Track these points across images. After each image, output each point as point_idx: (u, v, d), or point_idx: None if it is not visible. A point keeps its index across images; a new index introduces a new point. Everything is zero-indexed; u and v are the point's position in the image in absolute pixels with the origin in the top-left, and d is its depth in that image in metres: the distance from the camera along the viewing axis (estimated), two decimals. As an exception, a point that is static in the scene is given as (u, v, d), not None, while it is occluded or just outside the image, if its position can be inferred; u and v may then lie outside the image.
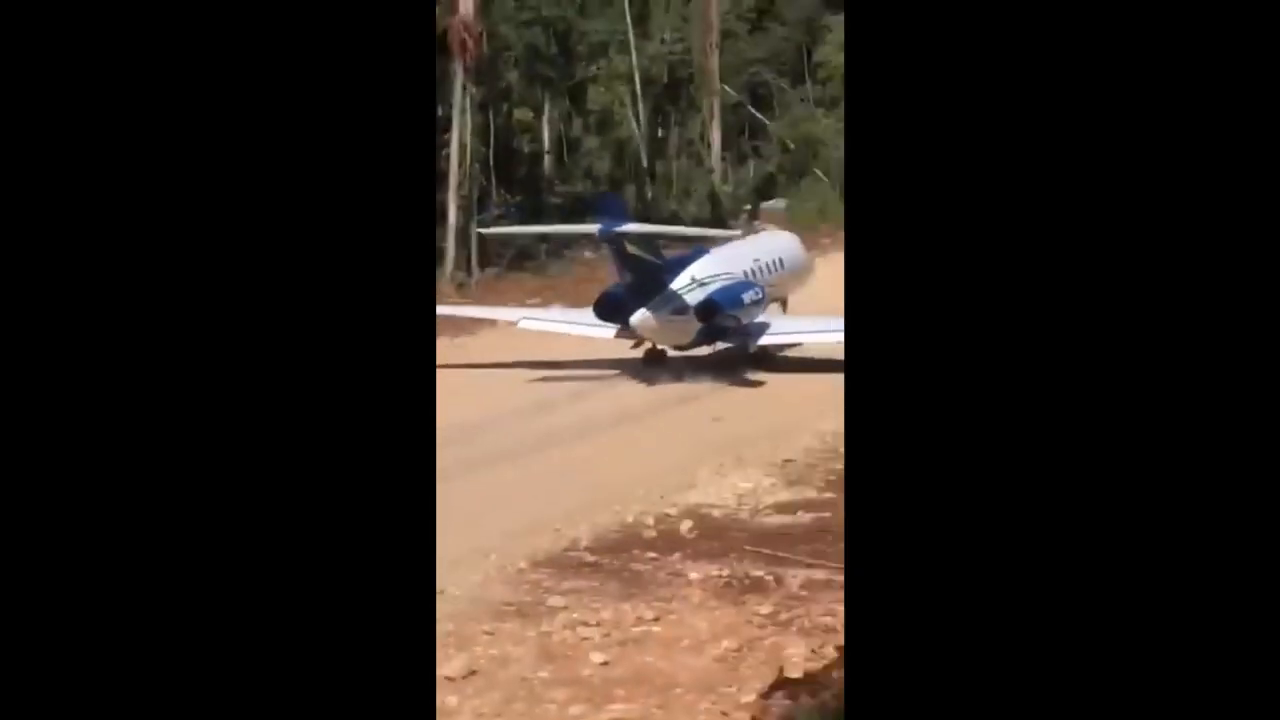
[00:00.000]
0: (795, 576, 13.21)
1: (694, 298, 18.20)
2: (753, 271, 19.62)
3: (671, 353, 18.58)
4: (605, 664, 11.41)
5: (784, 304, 20.82)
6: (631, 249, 18.14)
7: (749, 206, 37.89)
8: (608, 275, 19.98)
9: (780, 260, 20.33)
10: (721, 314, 18.17)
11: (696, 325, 18.08)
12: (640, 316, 17.67)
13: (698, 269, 18.70)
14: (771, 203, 37.82)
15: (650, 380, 18.13)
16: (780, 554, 13.55)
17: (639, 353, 18.54)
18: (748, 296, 18.81)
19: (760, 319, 18.78)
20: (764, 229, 25.67)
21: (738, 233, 24.26)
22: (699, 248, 19.61)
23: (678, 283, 18.33)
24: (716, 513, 14.82)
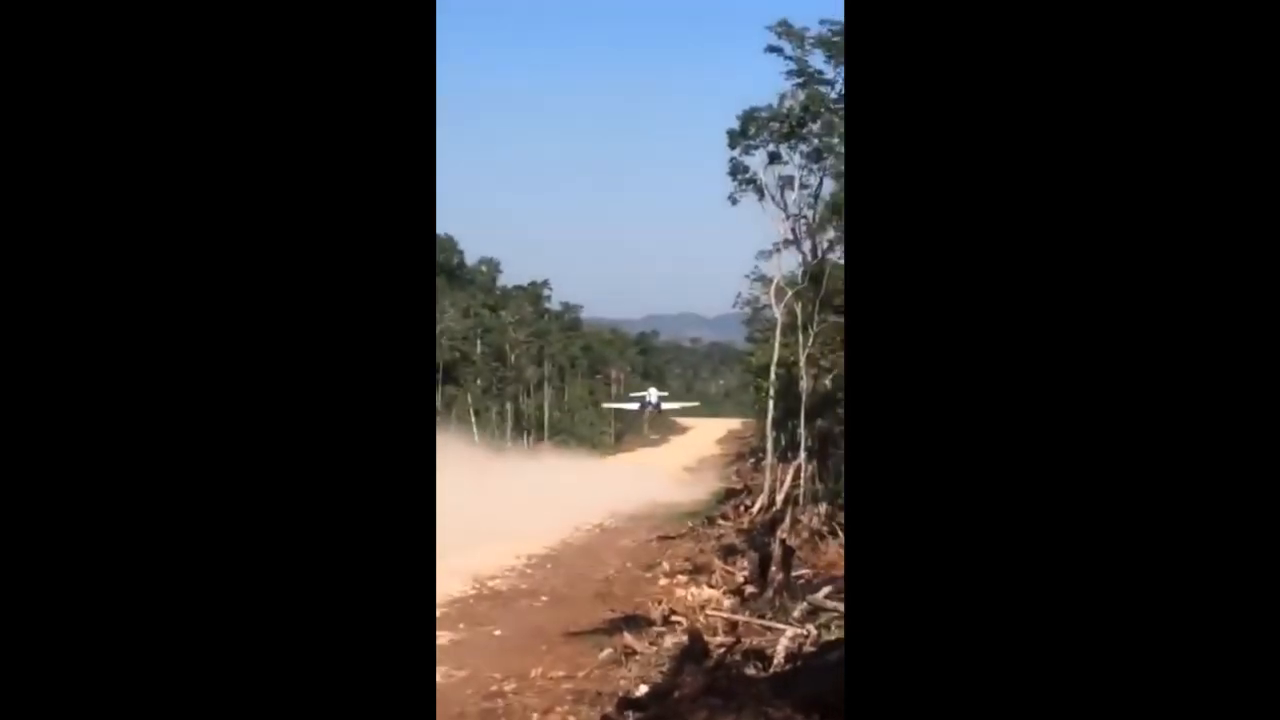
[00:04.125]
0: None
1: (649, 400, 69.21)
2: (659, 394, 70.04)
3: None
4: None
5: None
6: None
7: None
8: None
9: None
10: (657, 405, 68.59)
11: (651, 402, 68.44)
12: (645, 401, 67.82)
13: (650, 394, 69.33)
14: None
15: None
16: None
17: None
18: (661, 399, 69.19)
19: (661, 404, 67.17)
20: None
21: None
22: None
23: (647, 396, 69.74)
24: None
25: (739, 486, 39.84)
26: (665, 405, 72.87)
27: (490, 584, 23.70)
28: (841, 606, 13.20)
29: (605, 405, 77.11)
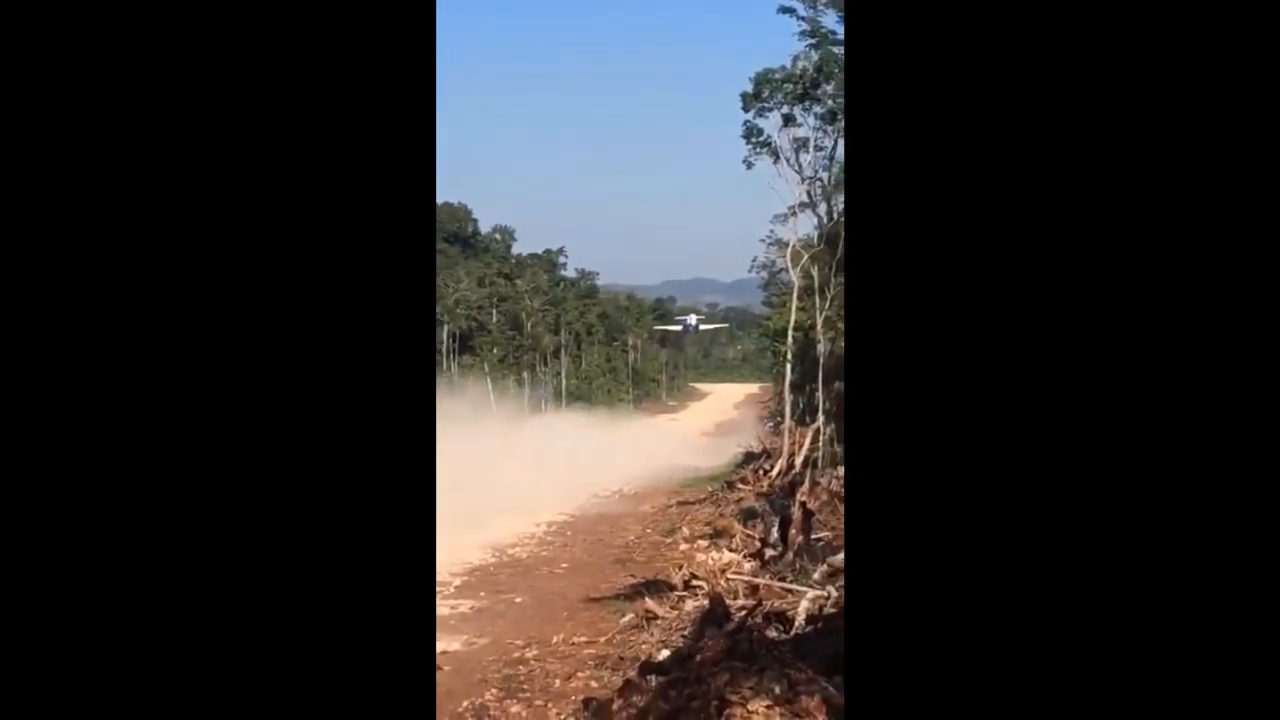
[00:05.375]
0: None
1: (690, 322, 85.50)
2: (697, 317, 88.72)
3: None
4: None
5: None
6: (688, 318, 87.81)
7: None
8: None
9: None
10: (695, 326, 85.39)
11: (691, 324, 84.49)
12: (686, 324, 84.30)
13: (689, 319, 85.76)
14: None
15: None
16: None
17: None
18: (700, 321, 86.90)
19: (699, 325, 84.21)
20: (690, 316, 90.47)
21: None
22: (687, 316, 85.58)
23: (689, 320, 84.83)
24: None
25: (758, 450, 39.78)
26: (702, 326, 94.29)
27: (510, 552, 23.77)
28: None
29: (656, 328, 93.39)
